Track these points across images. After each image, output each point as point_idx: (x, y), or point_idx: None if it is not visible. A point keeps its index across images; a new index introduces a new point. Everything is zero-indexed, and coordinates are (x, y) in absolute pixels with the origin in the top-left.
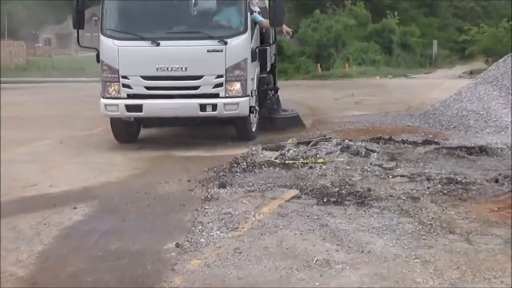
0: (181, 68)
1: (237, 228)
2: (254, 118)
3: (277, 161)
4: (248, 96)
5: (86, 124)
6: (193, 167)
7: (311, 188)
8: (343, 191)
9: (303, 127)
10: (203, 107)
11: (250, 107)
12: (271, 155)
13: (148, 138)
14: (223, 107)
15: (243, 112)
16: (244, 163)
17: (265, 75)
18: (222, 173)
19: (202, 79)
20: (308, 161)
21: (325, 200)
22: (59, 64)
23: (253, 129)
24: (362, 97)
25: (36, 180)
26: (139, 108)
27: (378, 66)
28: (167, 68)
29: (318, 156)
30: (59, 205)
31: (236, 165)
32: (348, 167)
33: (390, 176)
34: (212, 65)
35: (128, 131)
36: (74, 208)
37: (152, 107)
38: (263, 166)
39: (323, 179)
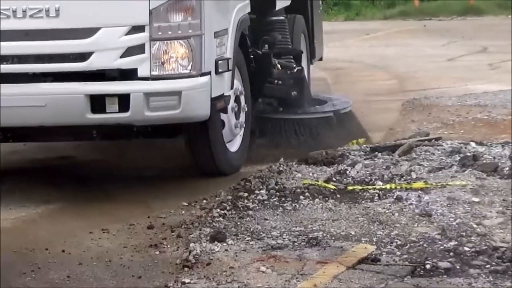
0: (47, 11)
1: None
2: (232, 125)
3: (331, 185)
4: (208, 74)
5: None
6: (160, 200)
7: (399, 242)
8: (466, 248)
9: (358, 135)
10: (98, 103)
11: (215, 99)
12: (317, 174)
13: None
14: (144, 101)
15: (195, 113)
16: (264, 190)
17: (279, 18)
18: (219, 210)
19: (95, 36)
20: (393, 186)
21: (428, 266)
22: None
23: (234, 149)
24: (504, 55)
25: None
26: None
27: None
28: (15, 13)
29: (413, 175)
30: None
31: (246, 194)
32: (476, 199)
33: None
34: (119, 5)
35: None
36: None
37: None
38: (301, 196)
39: (425, 223)
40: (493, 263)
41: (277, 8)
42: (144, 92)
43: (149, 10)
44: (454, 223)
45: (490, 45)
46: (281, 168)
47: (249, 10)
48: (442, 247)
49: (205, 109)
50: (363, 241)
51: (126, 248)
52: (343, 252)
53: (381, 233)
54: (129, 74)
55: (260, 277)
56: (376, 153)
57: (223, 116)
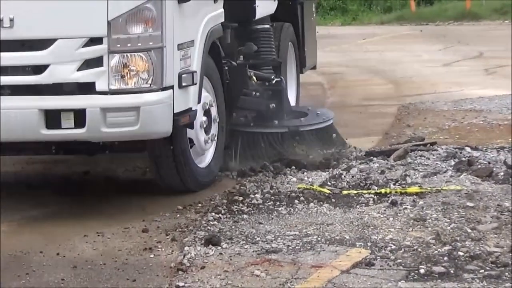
0: (1, 21)
1: None
2: (201, 140)
3: (326, 190)
4: (170, 88)
5: None
6: (155, 204)
7: (393, 246)
8: (460, 252)
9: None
10: (52, 118)
11: (179, 114)
12: (312, 178)
13: None
14: (101, 117)
15: (155, 130)
16: (258, 195)
17: (264, 27)
18: (213, 214)
19: (51, 48)
20: (388, 190)
21: (422, 270)
22: None
23: (203, 164)
24: (500, 60)
25: None
26: None
27: None
28: None
29: (408, 180)
30: None
31: (241, 198)
32: (470, 204)
33: None
34: (76, 16)
35: None
36: None
37: None
38: (296, 200)
39: (419, 228)
40: (487, 268)
41: (257, 17)
42: (101, 107)
43: (108, 21)
44: (448, 227)
45: (486, 51)
46: (276, 172)
47: (222, 20)
48: (436, 252)
49: (166, 125)
50: (357, 245)
51: (121, 251)
52: (338, 256)
53: (376, 237)
54: (87, 88)
55: (254, 281)
56: (371, 157)
57: (190, 131)
